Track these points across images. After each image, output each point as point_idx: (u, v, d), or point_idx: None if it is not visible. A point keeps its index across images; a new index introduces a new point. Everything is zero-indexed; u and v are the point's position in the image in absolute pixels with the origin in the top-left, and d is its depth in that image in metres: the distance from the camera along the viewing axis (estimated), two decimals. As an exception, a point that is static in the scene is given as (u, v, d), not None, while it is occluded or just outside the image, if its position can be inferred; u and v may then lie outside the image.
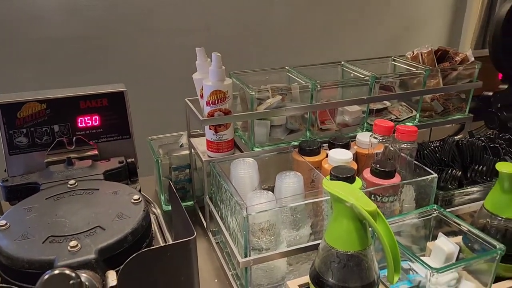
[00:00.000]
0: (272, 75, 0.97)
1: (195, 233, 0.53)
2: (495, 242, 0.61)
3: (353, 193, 0.57)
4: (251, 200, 0.69)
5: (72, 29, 1.42)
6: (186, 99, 0.88)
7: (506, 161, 0.79)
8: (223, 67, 0.77)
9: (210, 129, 0.81)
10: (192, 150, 0.90)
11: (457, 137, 1.07)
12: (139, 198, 0.61)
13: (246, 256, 0.65)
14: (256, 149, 0.85)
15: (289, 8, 1.29)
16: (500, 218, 0.67)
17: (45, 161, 0.78)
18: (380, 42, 1.49)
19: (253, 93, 0.80)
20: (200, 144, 0.89)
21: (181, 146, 0.98)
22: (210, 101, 0.78)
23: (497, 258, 0.60)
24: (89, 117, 0.84)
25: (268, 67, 0.98)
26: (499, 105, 1.05)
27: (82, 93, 0.83)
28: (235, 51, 1.26)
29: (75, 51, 1.45)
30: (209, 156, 0.83)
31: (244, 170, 0.75)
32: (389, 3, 1.48)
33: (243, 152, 0.85)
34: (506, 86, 1.05)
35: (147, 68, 1.44)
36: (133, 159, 0.81)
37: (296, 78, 0.90)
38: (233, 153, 0.84)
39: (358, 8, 1.43)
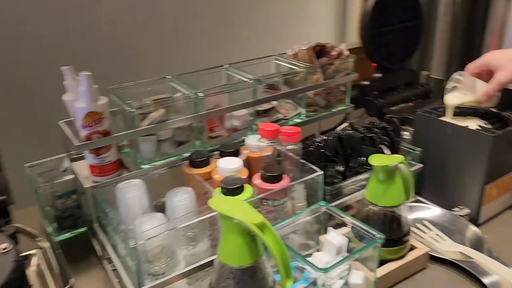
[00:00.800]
0: (156, 86, 0.93)
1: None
2: (375, 232, 0.65)
3: (239, 207, 0.57)
4: (140, 226, 0.66)
5: None
6: (60, 122, 0.81)
7: (382, 149, 0.85)
8: (95, 85, 0.72)
9: (90, 153, 0.75)
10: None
11: (339, 129, 1.13)
12: (7, 247, 0.55)
13: (140, 287, 0.62)
14: (145, 167, 0.82)
15: (170, 12, 1.24)
16: (379, 207, 0.72)
17: None
18: (269, 39, 1.50)
19: (133, 110, 0.76)
20: (84, 167, 0.83)
21: (65, 171, 0.91)
22: (86, 124, 0.73)
23: (378, 247, 0.65)
24: None
25: (153, 77, 0.94)
26: (375, 93, 1.13)
27: None
28: (114, 62, 1.17)
29: None
30: (94, 181, 0.78)
31: (131, 194, 0.71)
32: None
33: (131, 171, 0.81)
34: (379, 75, 1.13)
35: (14, 87, 1.28)
36: (4, 197, 0.73)
37: (179, 88, 0.88)
38: (120, 174, 0.80)
39: (245, 7, 1.42)
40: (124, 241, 0.65)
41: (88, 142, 0.73)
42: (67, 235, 0.90)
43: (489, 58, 0.82)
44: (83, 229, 0.92)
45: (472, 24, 1.30)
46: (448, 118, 0.90)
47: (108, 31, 1.12)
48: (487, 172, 0.82)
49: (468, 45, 1.31)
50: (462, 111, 0.93)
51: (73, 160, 0.85)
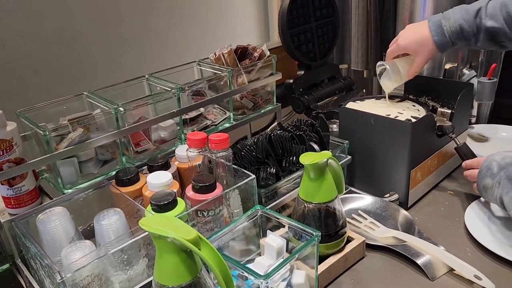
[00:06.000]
0: (73, 103, 0.88)
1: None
2: (310, 230, 0.66)
3: (172, 225, 0.55)
4: (67, 257, 0.61)
5: None
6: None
7: (312, 146, 0.87)
8: (0, 111, 0.66)
9: (3, 184, 0.69)
10: (-10, 209, 0.77)
11: (269, 129, 1.14)
12: None
13: (72, 323, 0.58)
14: (68, 191, 0.76)
15: (85, 20, 1.16)
16: (313, 204, 0.73)
17: None
18: (195, 44, 1.46)
19: (46, 134, 0.70)
20: (-2, 200, 0.76)
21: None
22: (-6, 153, 0.66)
23: (316, 244, 0.65)
24: None
25: (70, 94, 0.88)
26: (300, 90, 1.14)
27: None
28: (25, 79, 1.07)
29: None
30: (10, 214, 0.71)
31: (53, 223, 0.66)
32: (195, 5, 1.46)
33: (52, 198, 0.75)
34: (302, 72, 1.15)
35: None
36: None
37: (98, 104, 0.83)
38: (41, 203, 0.74)
39: (167, 12, 1.37)
40: (49, 276, 0.60)
41: (-1, 172, 0.67)
42: (-12, 274, 0.82)
43: (404, 44, 0.91)
44: (5, 266, 0.84)
45: (384, 15, 1.37)
46: (387, 101, 1.01)
47: (17, 42, 1.03)
48: (411, 157, 0.87)
49: (383, 36, 1.37)
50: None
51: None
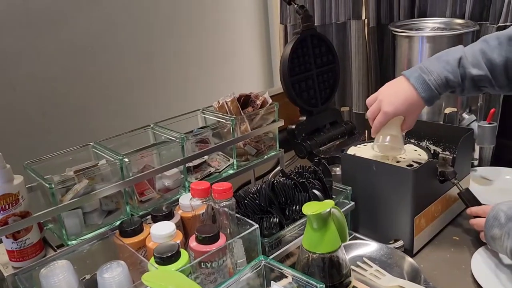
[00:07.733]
0: (79, 154, 0.89)
1: None
2: (314, 282, 0.65)
3: (174, 280, 0.56)
4: (69, 313, 0.61)
5: None
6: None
7: (315, 194, 0.87)
8: (8, 165, 0.67)
9: (7, 237, 0.69)
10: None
11: (272, 174, 1.15)
12: None
13: None
14: (72, 242, 0.76)
15: (97, 64, 1.21)
16: (317, 254, 0.73)
17: None
18: (201, 91, 1.51)
19: (52, 187, 0.71)
20: (2, 252, 0.76)
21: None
22: (0, 207, 0.67)
23: (320, 297, 0.64)
24: None
25: (76, 145, 0.90)
26: (303, 135, 1.16)
27: None
28: (32, 131, 1.10)
29: None
30: (14, 268, 0.71)
31: (56, 278, 0.66)
32: (203, 51, 1.51)
33: (56, 250, 0.75)
34: (304, 117, 1.17)
35: None
36: None
37: (103, 155, 0.85)
38: (45, 255, 0.74)
39: (176, 61, 1.42)
40: (51, 334, 0.59)
41: (4, 226, 0.67)
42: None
43: (391, 110, 0.85)
44: (7, 320, 0.83)
45: (383, 61, 1.41)
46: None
47: (26, 85, 1.07)
48: (414, 204, 0.87)
49: (382, 79, 1.41)
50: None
51: (-11, 245, 0.78)
